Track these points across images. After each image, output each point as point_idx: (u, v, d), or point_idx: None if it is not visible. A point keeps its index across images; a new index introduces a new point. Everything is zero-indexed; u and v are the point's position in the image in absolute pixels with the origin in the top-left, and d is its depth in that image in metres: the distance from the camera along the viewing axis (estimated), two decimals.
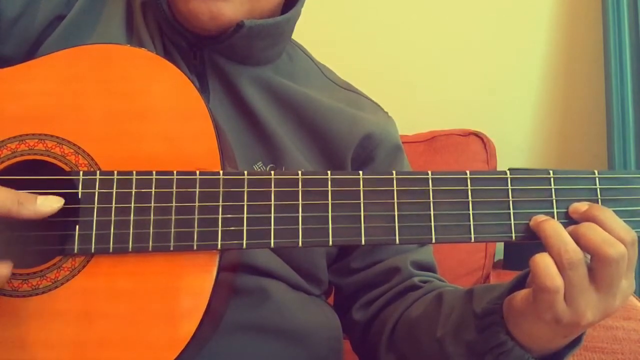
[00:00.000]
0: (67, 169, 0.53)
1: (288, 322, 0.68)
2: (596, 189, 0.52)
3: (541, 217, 0.51)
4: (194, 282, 0.51)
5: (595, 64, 1.52)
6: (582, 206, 0.51)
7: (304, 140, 0.72)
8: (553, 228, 0.49)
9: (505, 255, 1.45)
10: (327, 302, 0.78)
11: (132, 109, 0.55)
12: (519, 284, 0.55)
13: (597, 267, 0.48)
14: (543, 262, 0.48)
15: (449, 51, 1.57)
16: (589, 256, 0.49)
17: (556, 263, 0.48)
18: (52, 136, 0.54)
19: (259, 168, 0.68)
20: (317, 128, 0.72)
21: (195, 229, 0.51)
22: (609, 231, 0.48)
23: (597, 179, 0.52)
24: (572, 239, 0.48)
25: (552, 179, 0.52)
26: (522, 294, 0.52)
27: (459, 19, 1.57)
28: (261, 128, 0.69)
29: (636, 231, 0.50)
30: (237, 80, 0.69)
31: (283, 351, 0.67)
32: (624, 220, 0.49)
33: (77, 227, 0.51)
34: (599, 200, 0.52)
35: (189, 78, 0.56)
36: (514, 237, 0.51)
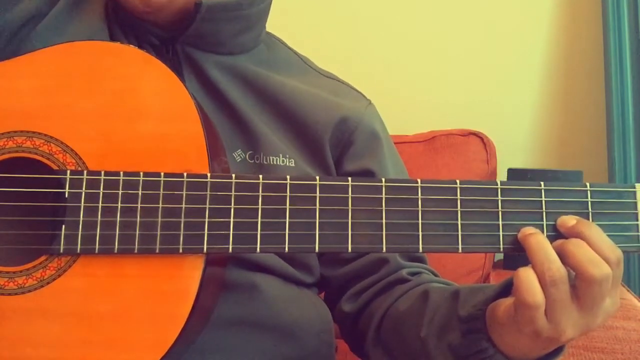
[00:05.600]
0: (54, 167, 0.53)
1: (279, 316, 0.67)
2: (587, 202, 0.51)
3: (528, 230, 0.50)
4: (179, 284, 0.51)
5: (595, 64, 1.50)
6: (569, 220, 0.50)
7: (282, 128, 0.72)
8: (538, 243, 0.48)
9: (505, 255, 1.45)
10: (319, 296, 0.78)
11: (121, 108, 0.54)
12: (507, 288, 0.55)
13: (581, 286, 0.47)
14: (526, 277, 0.47)
15: (449, 51, 1.56)
16: (573, 273, 0.48)
17: (539, 279, 0.47)
18: (40, 134, 0.54)
19: (239, 156, 0.68)
20: (293, 115, 0.72)
21: (182, 232, 0.51)
22: (595, 249, 0.47)
23: (588, 192, 0.51)
24: (558, 255, 0.48)
25: (542, 191, 0.51)
26: (504, 305, 0.52)
27: (459, 18, 1.56)
28: (237, 116, 0.69)
29: (627, 246, 0.49)
30: (211, 71, 0.70)
31: (274, 346, 0.67)
32: (615, 235, 0.49)
33: (64, 226, 0.51)
34: (590, 213, 0.51)
35: None
36: (501, 249, 0.50)
